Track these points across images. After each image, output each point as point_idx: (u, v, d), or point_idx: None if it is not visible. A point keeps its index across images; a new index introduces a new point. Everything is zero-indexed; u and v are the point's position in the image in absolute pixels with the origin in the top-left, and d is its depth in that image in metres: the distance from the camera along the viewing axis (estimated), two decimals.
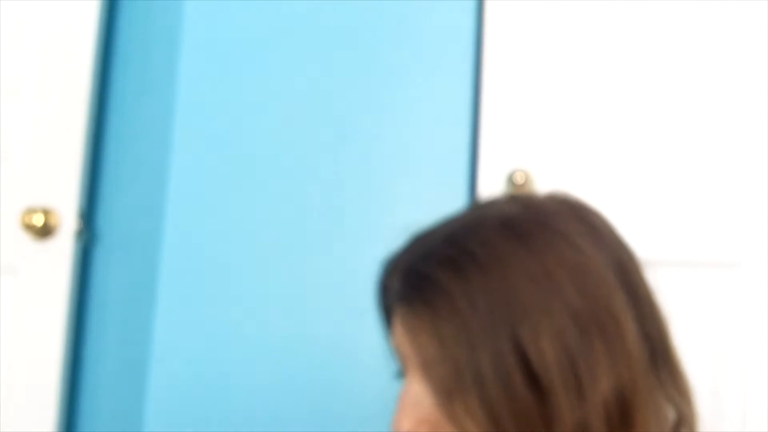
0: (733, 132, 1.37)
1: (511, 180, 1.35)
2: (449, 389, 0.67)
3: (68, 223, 1.46)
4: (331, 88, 1.42)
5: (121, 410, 1.44)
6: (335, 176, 1.40)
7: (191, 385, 1.36)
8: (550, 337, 0.66)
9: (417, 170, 1.39)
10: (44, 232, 1.45)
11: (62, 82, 1.51)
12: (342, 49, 1.43)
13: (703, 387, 1.30)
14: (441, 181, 1.38)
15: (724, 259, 1.34)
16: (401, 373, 0.74)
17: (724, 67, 1.39)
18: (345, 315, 1.36)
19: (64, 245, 1.45)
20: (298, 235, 1.39)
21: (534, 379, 0.65)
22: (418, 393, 0.70)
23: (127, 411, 1.42)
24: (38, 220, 1.44)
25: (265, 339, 1.37)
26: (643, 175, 1.37)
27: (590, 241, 0.73)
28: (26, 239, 1.46)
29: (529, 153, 1.38)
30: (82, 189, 1.48)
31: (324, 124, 1.41)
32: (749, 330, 1.31)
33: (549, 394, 0.65)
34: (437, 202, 1.37)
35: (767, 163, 1.34)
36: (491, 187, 1.37)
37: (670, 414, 0.73)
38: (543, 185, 1.37)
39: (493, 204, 0.77)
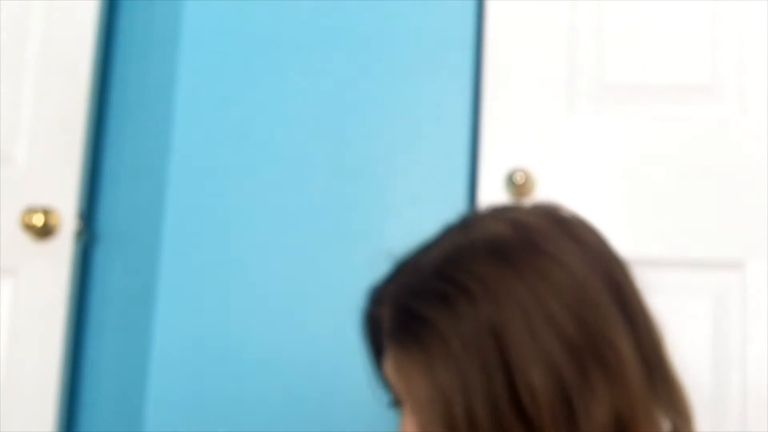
0: (733, 131, 1.37)
1: (511, 180, 1.35)
2: (443, 430, 0.66)
3: (68, 223, 1.46)
4: (331, 87, 1.42)
5: (121, 410, 1.44)
6: (335, 176, 1.40)
7: (191, 386, 1.36)
8: (545, 374, 0.65)
9: (417, 170, 1.39)
10: (44, 232, 1.45)
11: (62, 82, 1.50)
12: (341, 48, 1.43)
13: (703, 387, 1.30)
14: (441, 181, 1.38)
15: (724, 259, 1.34)
16: (394, 403, 0.73)
17: (723, 63, 1.39)
18: (345, 316, 1.35)
19: (64, 245, 1.45)
20: (297, 235, 1.39)
21: (527, 420, 0.64)
22: (412, 428, 0.69)
23: (127, 411, 1.42)
24: (38, 220, 1.44)
25: (265, 339, 1.37)
26: (643, 175, 1.37)
27: (581, 259, 0.71)
28: (26, 239, 1.46)
29: (529, 153, 1.38)
30: (82, 189, 1.48)
31: (323, 124, 1.41)
32: (750, 330, 1.31)
33: (540, 425, 0.64)
34: (437, 202, 1.37)
35: None
36: (491, 187, 1.37)
37: (666, 426, 0.72)
38: (543, 185, 1.36)
39: (479, 223, 0.74)
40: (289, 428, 1.34)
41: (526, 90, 1.41)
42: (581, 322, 0.67)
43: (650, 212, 1.36)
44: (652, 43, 1.40)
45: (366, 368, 1.32)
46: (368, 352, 0.78)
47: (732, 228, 1.34)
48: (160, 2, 1.54)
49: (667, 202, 1.36)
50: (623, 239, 1.35)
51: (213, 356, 1.37)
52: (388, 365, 0.72)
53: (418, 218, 1.36)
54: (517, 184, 1.35)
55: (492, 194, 1.36)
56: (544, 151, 1.38)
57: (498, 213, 0.76)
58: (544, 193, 1.36)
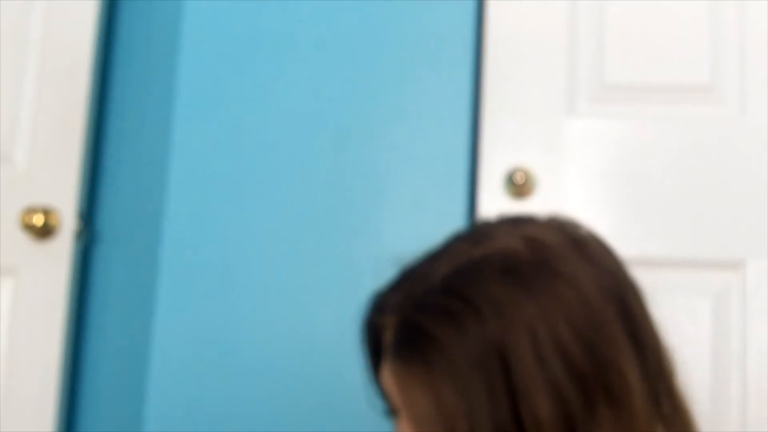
0: (733, 131, 1.37)
1: (511, 180, 1.35)
2: None
3: (68, 223, 1.46)
4: (331, 87, 1.42)
5: (121, 410, 1.44)
6: (335, 175, 1.40)
7: (191, 385, 1.36)
8: (550, 401, 0.64)
9: (417, 170, 1.39)
10: (44, 232, 1.45)
11: (62, 82, 1.50)
12: (341, 48, 1.43)
13: (703, 387, 1.30)
14: (441, 181, 1.38)
15: (724, 259, 1.34)
16: (390, 412, 0.72)
17: (723, 63, 1.39)
18: (345, 315, 1.35)
19: (64, 245, 1.45)
20: (298, 234, 1.39)
21: None
22: None
23: (127, 411, 1.42)
24: (38, 220, 1.44)
25: (265, 339, 1.37)
26: (643, 175, 1.37)
27: (595, 283, 0.69)
28: (26, 239, 1.46)
29: (529, 153, 1.38)
30: (82, 189, 1.48)
31: (324, 123, 1.41)
32: (750, 330, 1.31)
33: None
34: (437, 202, 1.37)
35: None
36: (491, 187, 1.37)
37: None
38: (543, 185, 1.36)
39: (492, 236, 0.72)
40: (288, 428, 1.34)
41: (526, 90, 1.41)
42: (590, 350, 0.66)
43: (650, 212, 1.35)
44: (652, 43, 1.40)
45: (364, 370, 1.31)
46: (366, 359, 0.77)
47: (732, 228, 1.34)
48: (160, 2, 1.54)
49: (667, 202, 1.36)
50: (623, 239, 1.35)
51: (212, 356, 1.37)
52: (387, 375, 0.70)
53: (418, 218, 1.36)
54: (517, 184, 1.35)
55: (492, 194, 1.36)
56: (544, 151, 1.38)
57: (512, 227, 0.73)
58: (544, 193, 1.36)
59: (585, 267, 0.70)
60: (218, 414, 1.35)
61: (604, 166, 1.38)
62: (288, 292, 1.38)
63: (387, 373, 0.71)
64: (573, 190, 1.37)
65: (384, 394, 0.73)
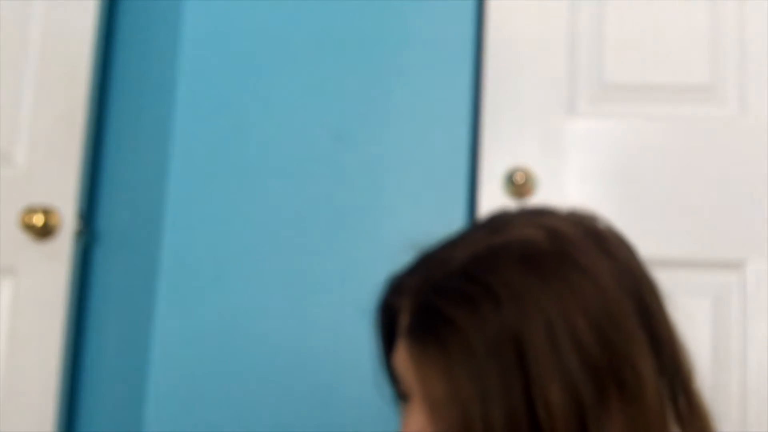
0: (733, 131, 1.37)
1: (511, 180, 1.35)
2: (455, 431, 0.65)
3: (68, 223, 1.46)
4: (331, 87, 1.42)
5: (121, 410, 1.44)
6: (335, 175, 1.40)
7: (191, 385, 1.36)
8: (563, 390, 0.64)
9: (417, 170, 1.39)
10: (44, 232, 1.45)
11: (62, 82, 1.50)
12: (341, 48, 1.43)
13: (703, 387, 1.30)
14: (441, 181, 1.38)
15: (724, 259, 1.34)
16: (399, 396, 0.72)
17: (723, 63, 1.39)
18: (345, 316, 1.35)
19: (64, 245, 1.45)
20: (297, 235, 1.39)
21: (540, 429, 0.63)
22: (421, 424, 0.68)
23: (127, 411, 1.42)
24: (38, 220, 1.44)
25: (265, 339, 1.37)
26: (642, 175, 1.37)
27: (613, 277, 0.70)
28: (26, 239, 1.46)
29: (529, 153, 1.38)
30: (82, 189, 1.48)
31: (323, 123, 1.41)
32: (750, 330, 1.31)
33: None
34: (437, 202, 1.37)
35: None
36: (491, 186, 1.37)
37: None
38: (543, 185, 1.36)
39: (512, 225, 0.72)
40: (289, 427, 1.34)
41: (526, 90, 1.41)
42: (605, 342, 0.66)
43: (650, 212, 1.36)
44: (652, 43, 1.40)
45: (367, 369, 1.31)
46: (378, 342, 0.77)
47: (732, 228, 1.34)
48: (160, 2, 1.54)
49: (667, 202, 1.36)
50: None
51: (213, 356, 1.37)
52: (401, 359, 0.71)
53: (418, 218, 1.36)
54: (517, 184, 1.35)
55: (492, 194, 1.36)
56: (544, 151, 1.38)
57: (533, 217, 0.74)
58: (544, 193, 1.36)
59: (603, 260, 0.71)
60: (218, 414, 1.35)
61: (604, 166, 1.38)
62: (288, 292, 1.38)
63: (401, 356, 0.71)
64: (573, 190, 1.37)
65: (394, 379, 0.72)
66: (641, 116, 1.39)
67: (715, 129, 1.38)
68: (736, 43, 1.39)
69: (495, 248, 0.69)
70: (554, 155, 1.38)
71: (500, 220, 0.74)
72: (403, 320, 0.71)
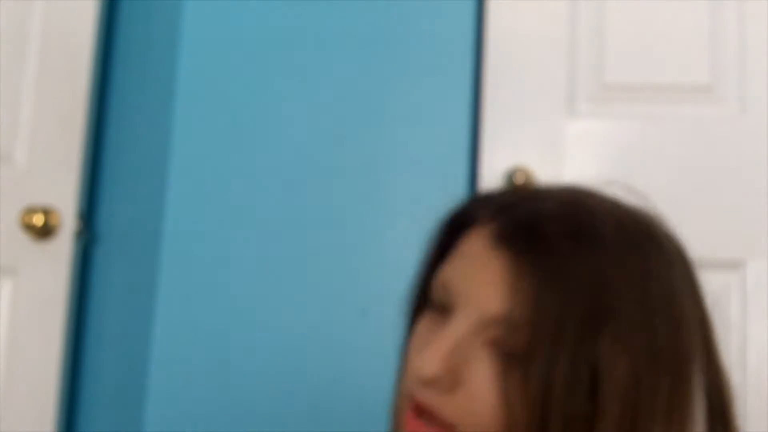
0: (733, 131, 1.37)
1: (510, 179, 1.35)
2: (513, 354, 0.65)
3: (68, 223, 1.46)
4: (331, 87, 1.42)
5: (121, 411, 1.44)
6: (335, 175, 1.40)
7: (191, 385, 1.36)
8: (627, 359, 0.64)
9: (417, 170, 1.39)
10: (44, 232, 1.45)
11: (62, 82, 1.50)
12: (341, 48, 1.43)
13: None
14: (441, 181, 1.38)
15: (724, 259, 1.34)
16: (442, 307, 0.69)
17: (723, 63, 1.39)
18: (346, 315, 1.36)
19: (64, 245, 1.45)
20: (298, 235, 1.39)
21: (595, 393, 0.63)
22: (463, 338, 0.66)
23: (127, 411, 1.42)
24: (38, 220, 1.44)
25: (265, 339, 1.37)
26: (642, 175, 1.37)
27: (686, 285, 0.73)
28: (26, 239, 1.46)
29: (529, 153, 1.38)
30: (82, 189, 1.48)
31: (323, 124, 1.41)
32: (750, 330, 1.31)
33: (601, 417, 0.63)
34: (437, 202, 1.37)
35: None
36: (491, 186, 1.37)
37: None
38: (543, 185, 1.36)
39: (600, 195, 0.74)
40: (289, 427, 1.34)
41: (526, 90, 1.41)
42: (672, 333, 0.67)
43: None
44: (652, 43, 1.40)
45: (367, 369, 1.31)
46: (434, 247, 0.77)
47: (732, 228, 1.34)
48: (160, 2, 1.54)
49: (667, 202, 1.35)
50: None
51: (212, 356, 1.37)
52: (466, 262, 0.69)
53: (418, 218, 1.36)
54: (517, 184, 1.35)
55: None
56: (544, 151, 1.39)
57: (615, 199, 0.77)
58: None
59: (685, 272, 0.77)
60: (218, 414, 1.35)
61: (604, 166, 1.38)
62: (287, 292, 1.38)
63: (466, 259, 0.70)
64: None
65: (441, 287, 0.71)
66: (641, 116, 1.39)
67: (715, 129, 1.38)
68: (736, 43, 1.39)
69: (592, 204, 0.71)
70: (554, 155, 1.38)
71: (583, 191, 0.75)
72: (496, 230, 0.69)
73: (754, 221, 1.33)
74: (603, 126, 1.40)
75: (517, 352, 0.65)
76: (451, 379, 0.66)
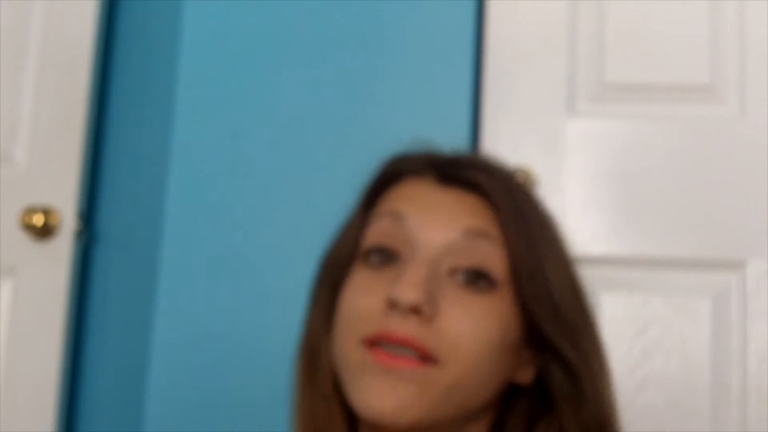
0: (733, 131, 1.37)
1: None
2: (484, 277, 0.70)
3: (68, 223, 1.46)
4: (331, 87, 1.42)
5: (121, 410, 1.44)
6: (334, 176, 1.40)
7: (191, 385, 1.36)
8: (564, 271, 0.74)
9: None
10: (44, 232, 1.45)
11: (62, 82, 1.50)
12: (341, 48, 1.43)
13: (703, 387, 1.30)
14: None
15: (724, 259, 1.34)
16: (384, 253, 0.72)
17: (723, 63, 1.39)
18: None
19: (64, 245, 1.45)
20: (297, 235, 1.39)
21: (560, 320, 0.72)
22: (432, 265, 0.69)
23: (126, 411, 1.42)
24: (38, 220, 1.44)
25: (265, 338, 1.37)
26: (642, 175, 1.37)
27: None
28: (26, 239, 1.46)
29: (529, 153, 1.38)
30: (82, 189, 1.48)
31: (323, 124, 1.41)
32: (750, 330, 1.31)
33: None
34: None
35: None
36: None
37: None
38: (543, 185, 1.36)
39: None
40: (288, 428, 1.34)
41: (526, 90, 1.41)
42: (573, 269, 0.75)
43: (650, 212, 1.36)
44: (652, 43, 1.40)
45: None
46: (360, 208, 0.82)
47: (732, 228, 1.34)
48: (160, 2, 1.54)
49: (667, 202, 1.36)
50: (623, 239, 1.36)
51: (212, 356, 1.37)
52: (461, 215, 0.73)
53: None
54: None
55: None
56: (544, 151, 1.38)
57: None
58: (544, 193, 1.36)
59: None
60: (218, 413, 1.35)
61: (604, 166, 1.38)
62: (287, 292, 1.38)
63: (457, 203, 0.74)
64: (573, 190, 1.37)
65: (368, 239, 0.75)
66: (641, 116, 1.39)
67: (715, 129, 1.38)
68: (736, 43, 1.39)
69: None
70: (554, 155, 1.38)
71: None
72: (438, 176, 0.76)
73: (754, 221, 1.33)
74: (603, 126, 1.39)
75: (489, 274, 0.70)
76: (430, 309, 0.67)
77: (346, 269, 0.75)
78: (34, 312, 1.45)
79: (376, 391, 0.66)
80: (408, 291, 0.66)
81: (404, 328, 0.67)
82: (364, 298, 0.70)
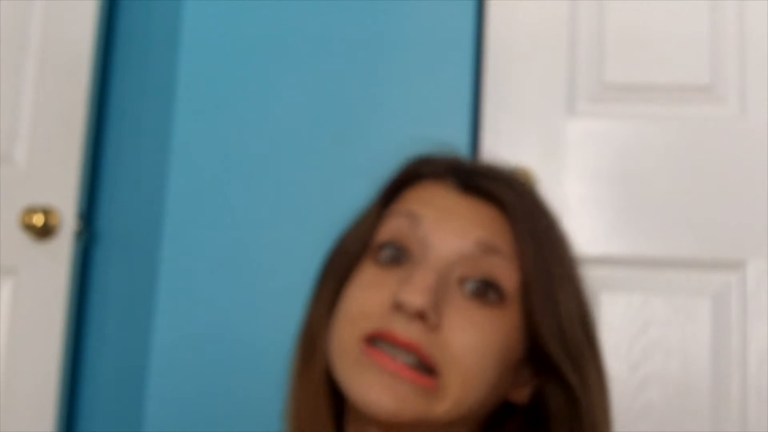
0: (733, 131, 1.37)
1: None
2: (493, 288, 0.69)
3: (68, 223, 1.46)
4: (331, 87, 1.42)
5: (121, 410, 1.45)
6: (334, 176, 1.40)
7: (191, 385, 1.36)
8: (576, 303, 0.73)
9: None
10: (44, 232, 1.45)
11: (62, 82, 1.51)
12: (341, 48, 1.43)
13: (703, 387, 1.30)
14: None
15: (724, 259, 1.34)
16: (395, 253, 0.72)
17: (723, 63, 1.39)
18: None
19: (64, 245, 1.45)
20: (297, 235, 1.39)
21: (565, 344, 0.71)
22: (442, 273, 0.69)
23: (126, 411, 1.42)
24: (38, 220, 1.44)
25: (264, 339, 1.37)
26: (642, 175, 1.37)
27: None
28: (26, 239, 1.46)
29: (529, 153, 1.38)
30: (82, 189, 1.48)
31: (323, 124, 1.41)
32: (750, 330, 1.31)
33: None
34: None
35: None
36: None
37: None
38: (543, 185, 1.36)
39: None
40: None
41: (526, 90, 1.41)
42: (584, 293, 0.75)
43: (650, 212, 1.36)
44: (652, 43, 1.40)
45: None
46: (375, 205, 0.82)
47: (732, 228, 1.34)
48: (160, 2, 1.55)
49: (667, 201, 1.36)
50: (623, 239, 1.36)
51: (212, 356, 1.37)
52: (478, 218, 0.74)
53: None
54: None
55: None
56: (544, 151, 1.38)
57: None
58: (544, 192, 1.36)
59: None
60: (218, 413, 1.35)
61: (604, 166, 1.38)
62: (287, 292, 1.38)
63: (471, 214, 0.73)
64: (573, 190, 1.37)
65: (380, 238, 0.75)
66: (641, 116, 1.39)
67: (715, 129, 1.38)
68: (736, 43, 1.39)
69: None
70: (554, 155, 1.38)
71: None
72: (457, 182, 0.76)
73: (754, 221, 1.33)
74: (603, 126, 1.39)
75: (500, 286, 0.69)
76: (435, 316, 0.67)
77: (354, 263, 0.75)
78: (34, 312, 1.45)
79: (375, 388, 0.66)
80: (416, 295, 0.66)
81: (408, 332, 0.66)
82: (369, 293, 0.70)
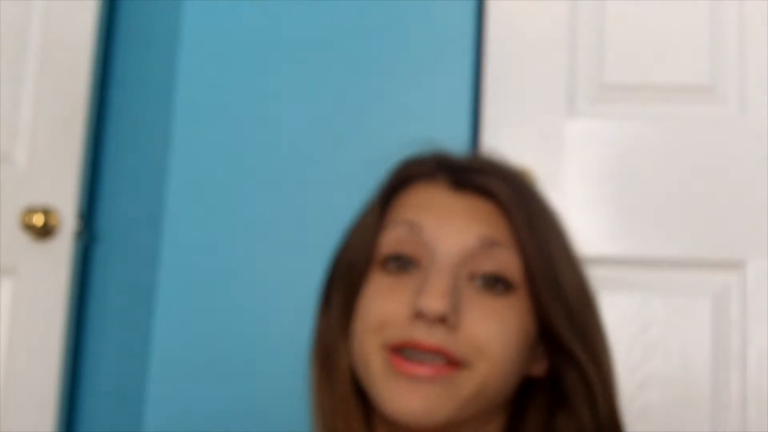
0: (733, 131, 1.37)
1: None
2: (502, 281, 0.72)
3: (68, 223, 1.46)
4: (330, 87, 1.42)
5: (121, 410, 1.45)
6: (334, 176, 1.40)
7: (191, 385, 1.36)
8: (575, 275, 0.77)
9: None
10: (44, 232, 1.45)
11: (62, 82, 1.51)
12: (341, 48, 1.43)
13: (703, 387, 1.30)
14: None
15: (724, 259, 1.34)
16: (401, 260, 0.74)
17: (723, 63, 1.39)
18: None
19: (64, 245, 1.45)
20: (297, 235, 1.39)
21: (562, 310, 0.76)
22: (454, 273, 0.71)
23: (127, 411, 1.42)
24: (38, 220, 1.44)
25: (264, 339, 1.37)
26: (642, 175, 1.37)
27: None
28: (26, 239, 1.46)
29: (529, 153, 1.38)
30: (82, 189, 1.48)
31: (323, 125, 1.41)
32: (750, 330, 1.31)
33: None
34: None
35: None
36: None
37: None
38: (543, 185, 1.36)
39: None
40: (288, 427, 1.34)
41: (526, 90, 1.41)
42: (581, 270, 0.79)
43: (650, 212, 1.36)
44: (652, 43, 1.40)
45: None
46: (372, 216, 0.82)
47: (732, 228, 1.34)
48: (160, 2, 1.54)
49: (667, 201, 1.36)
50: (623, 239, 1.36)
51: (212, 356, 1.37)
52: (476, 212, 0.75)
53: None
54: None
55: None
56: (544, 150, 1.38)
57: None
58: (544, 193, 1.36)
59: None
60: (218, 414, 1.35)
61: (604, 166, 1.38)
62: (287, 293, 1.38)
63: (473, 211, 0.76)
64: (573, 190, 1.37)
65: (383, 247, 0.76)
66: (641, 116, 1.39)
67: (715, 129, 1.38)
68: (736, 43, 1.39)
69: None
70: (554, 155, 1.38)
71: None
72: (451, 180, 0.78)
73: (754, 221, 1.33)
74: (603, 126, 1.39)
75: (507, 278, 0.72)
76: (455, 317, 0.70)
77: (363, 274, 0.77)
78: (34, 312, 1.45)
79: (404, 395, 0.69)
80: (435, 301, 0.69)
81: (432, 338, 0.69)
82: (384, 302, 0.72)
